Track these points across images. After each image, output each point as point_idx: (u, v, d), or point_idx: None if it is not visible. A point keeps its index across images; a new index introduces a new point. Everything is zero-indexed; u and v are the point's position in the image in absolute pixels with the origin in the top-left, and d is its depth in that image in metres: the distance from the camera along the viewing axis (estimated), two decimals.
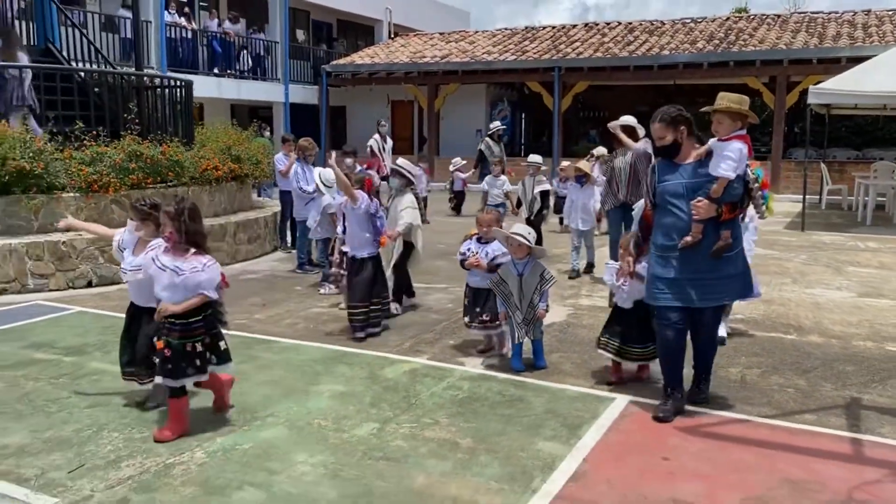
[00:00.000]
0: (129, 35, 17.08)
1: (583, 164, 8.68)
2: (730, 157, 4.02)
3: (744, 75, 17.78)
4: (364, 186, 6.10)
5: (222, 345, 4.06)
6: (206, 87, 18.22)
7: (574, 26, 23.86)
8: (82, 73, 10.83)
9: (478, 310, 5.32)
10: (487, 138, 13.80)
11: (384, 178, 12.95)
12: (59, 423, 4.17)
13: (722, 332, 5.40)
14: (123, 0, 17.78)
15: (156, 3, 17.82)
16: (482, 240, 5.35)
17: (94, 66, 12.79)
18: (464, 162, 14.14)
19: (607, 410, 4.37)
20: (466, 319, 5.43)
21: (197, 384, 4.10)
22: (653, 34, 21.02)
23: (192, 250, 3.89)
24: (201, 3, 21.57)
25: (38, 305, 7.10)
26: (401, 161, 6.84)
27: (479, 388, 4.77)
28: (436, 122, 22.00)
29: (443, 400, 4.55)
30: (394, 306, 6.54)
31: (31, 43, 12.88)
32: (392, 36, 26.73)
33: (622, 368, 4.85)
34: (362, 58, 23.27)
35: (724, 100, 4.16)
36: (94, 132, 8.59)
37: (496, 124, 14.36)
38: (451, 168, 14.08)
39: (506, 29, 25.01)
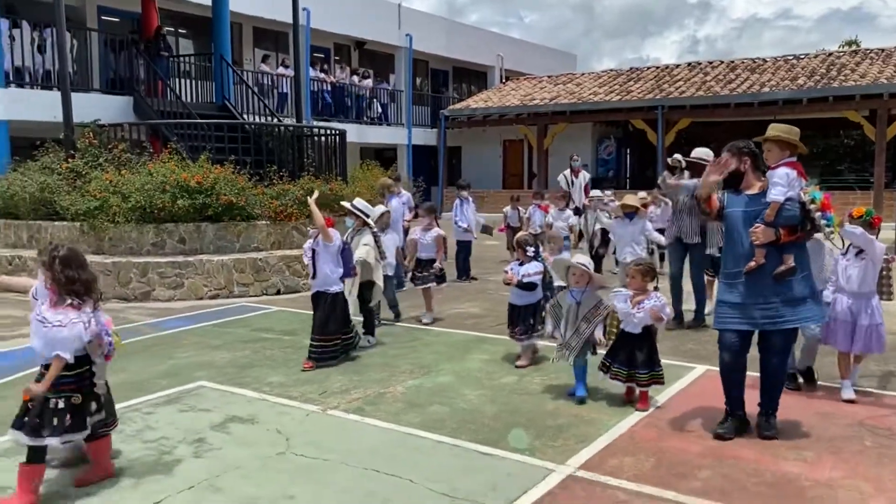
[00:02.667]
0: (282, 90, 19.97)
1: (630, 199, 8.65)
2: (778, 183, 4.36)
3: (843, 109, 18.52)
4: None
5: (93, 408, 3.77)
6: None
7: (677, 66, 25.08)
8: (253, 125, 13.34)
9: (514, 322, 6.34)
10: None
11: (576, 212, 12.33)
12: (299, 372, 6.09)
13: (849, 394, 5.26)
14: (282, 60, 20.78)
15: (302, 62, 20.64)
16: (521, 262, 6.43)
17: (259, 118, 15.43)
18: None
19: (688, 374, 5.87)
20: (509, 331, 6.42)
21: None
22: (754, 72, 21.98)
23: (68, 301, 3.68)
24: (336, 58, 24.44)
25: (245, 306, 9.25)
26: (357, 201, 7.19)
27: (590, 361, 6.34)
28: (545, 159, 23.69)
29: (563, 367, 6.15)
30: (366, 339, 6.99)
31: (210, 100, 15.71)
32: (504, 80, 28.84)
33: (634, 390, 5.19)
34: (477, 102, 25.42)
35: (774, 130, 4.48)
36: (280, 173, 10.85)
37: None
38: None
39: (611, 70, 26.57)
